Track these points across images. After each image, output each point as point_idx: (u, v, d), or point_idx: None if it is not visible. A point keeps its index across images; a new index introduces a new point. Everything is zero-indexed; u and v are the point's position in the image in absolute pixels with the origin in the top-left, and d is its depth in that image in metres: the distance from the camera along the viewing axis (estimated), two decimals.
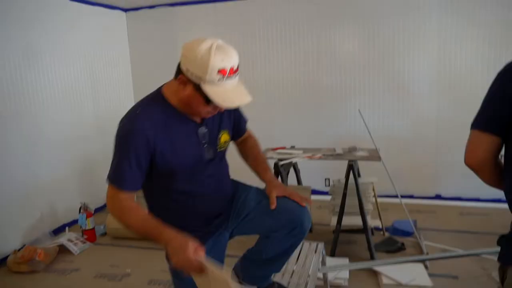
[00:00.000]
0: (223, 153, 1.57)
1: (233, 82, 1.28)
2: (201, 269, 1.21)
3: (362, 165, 3.50)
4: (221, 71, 1.23)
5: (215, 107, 1.33)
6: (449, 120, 4.16)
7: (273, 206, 1.49)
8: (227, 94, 1.26)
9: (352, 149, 3.30)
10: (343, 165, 3.19)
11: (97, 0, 4.37)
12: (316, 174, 4.12)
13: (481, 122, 1.19)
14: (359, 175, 3.26)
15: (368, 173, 3.58)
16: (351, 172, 3.05)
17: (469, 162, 1.22)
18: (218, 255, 1.50)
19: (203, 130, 1.44)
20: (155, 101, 1.39)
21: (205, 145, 1.45)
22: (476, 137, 1.20)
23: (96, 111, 4.44)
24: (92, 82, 4.39)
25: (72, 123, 4.07)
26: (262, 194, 1.59)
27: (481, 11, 3.92)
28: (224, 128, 1.53)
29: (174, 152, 1.36)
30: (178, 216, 1.48)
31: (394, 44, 4.19)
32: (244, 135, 1.71)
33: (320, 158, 3.20)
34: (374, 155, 3.16)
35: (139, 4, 4.81)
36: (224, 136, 1.53)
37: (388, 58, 4.22)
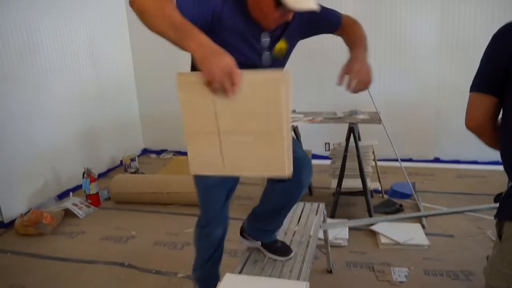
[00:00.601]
0: (280, 62, 1.50)
1: None
2: (237, 78, 1.01)
3: (362, 129, 3.52)
4: None
5: (283, 14, 1.28)
6: (450, 84, 4.15)
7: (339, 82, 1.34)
8: None
9: (353, 112, 3.31)
10: (343, 129, 3.21)
11: None
12: (316, 139, 4.15)
13: (478, 84, 1.20)
14: (359, 139, 3.28)
15: (369, 136, 3.61)
16: (351, 135, 3.07)
17: (469, 125, 1.23)
18: None
19: (266, 37, 1.39)
20: None
21: (264, 52, 1.41)
22: (474, 99, 1.21)
23: (97, 78, 4.40)
24: (92, 50, 4.32)
25: (72, 90, 4.05)
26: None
27: None
28: (286, 36, 1.45)
29: (230, 44, 1.28)
30: None
31: (396, 4, 4.11)
32: (340, 27, 1.57)
33: (321, 121, 3.22)
34: (374, 118, 3.17)
35: None
36: (280, 44, 1.45)
37: (390, 20, 4.15)
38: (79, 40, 4.13)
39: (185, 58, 1.39)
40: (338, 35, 1.60)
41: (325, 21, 1.53)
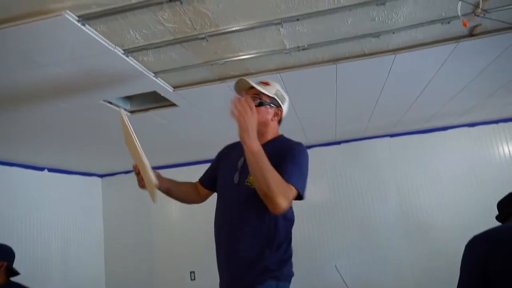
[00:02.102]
0: (250, 190, 1.54)
1: None
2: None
3: None
4: None
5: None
6: (424, 268, 4.36)
7: None
8: None
9: None
10: None
11: (74, 169, 4.57)
12: None
13: None
14: None
15: None
16: None
17: None
18: None
19: (242, 159, 1.64)
20: None
21: (237, 171, 1.65)
22: None
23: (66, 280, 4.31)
24: (64, 249, 4.33)
25: None
26: None
27: None
28: None
29: (220, 167, 1.81)
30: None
31: (360, 194, 4.62)
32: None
33: None
34: None
35: (115, 170, 5.10)
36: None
37: (356, 208, 4.66)
38: (51, 240, 4.08)
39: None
40: None
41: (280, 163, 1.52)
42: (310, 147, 4.86)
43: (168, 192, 1.76)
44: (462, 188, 4.48)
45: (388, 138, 4.78)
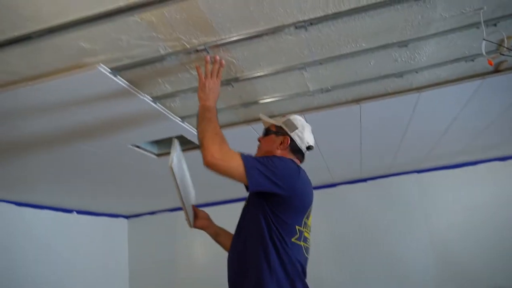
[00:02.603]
0: (248, 210, 1.64)
1: None
2: None
3: None
4: None
5: None
6: None
7: None
8: None
9: None
10: None
11: (101, 210, 4.68)
12: None
13: None
14: None
15: None
16: None
17: None
18: None
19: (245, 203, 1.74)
20: None
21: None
22: None
23: None
24: None
25: None
26: None
27: None
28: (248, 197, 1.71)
29: None
30: None
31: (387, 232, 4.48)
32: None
33: None
34: None
35: (141, 211, 5.19)
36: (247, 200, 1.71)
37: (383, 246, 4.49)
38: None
39: None
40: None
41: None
42: (335, 185, 4.79)
43: (216, 237, 1.87)
44: (498, 224, 4.26)
45: (416, 174, 4.66)
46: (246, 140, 2.66)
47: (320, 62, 1.85)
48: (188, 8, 1.39)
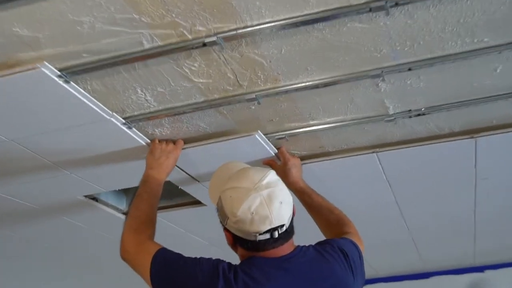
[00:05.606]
0: None
1: None
2: None
3: None
4: None
5: None
6: None
7: None
8: None
9: None
10: None
11: None
12: None
13: None
14: None
15: None
16: None
17: None
18: None
19: None
20: None
21: None
22: None
23: None
24: None
25: None
26: None
27: None
28: None
29: None
30: None
31: None
32: None
33: None
34: None
35: None
36: None
37: None
38: None
39: None
40: None
41: None
42: (427, 275, 3.54)
43: None
44: None
45: None
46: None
47: (409, 67, 1.26)
48: None
